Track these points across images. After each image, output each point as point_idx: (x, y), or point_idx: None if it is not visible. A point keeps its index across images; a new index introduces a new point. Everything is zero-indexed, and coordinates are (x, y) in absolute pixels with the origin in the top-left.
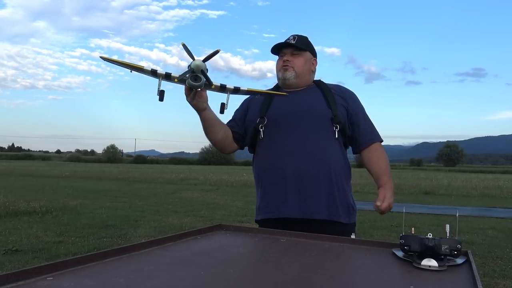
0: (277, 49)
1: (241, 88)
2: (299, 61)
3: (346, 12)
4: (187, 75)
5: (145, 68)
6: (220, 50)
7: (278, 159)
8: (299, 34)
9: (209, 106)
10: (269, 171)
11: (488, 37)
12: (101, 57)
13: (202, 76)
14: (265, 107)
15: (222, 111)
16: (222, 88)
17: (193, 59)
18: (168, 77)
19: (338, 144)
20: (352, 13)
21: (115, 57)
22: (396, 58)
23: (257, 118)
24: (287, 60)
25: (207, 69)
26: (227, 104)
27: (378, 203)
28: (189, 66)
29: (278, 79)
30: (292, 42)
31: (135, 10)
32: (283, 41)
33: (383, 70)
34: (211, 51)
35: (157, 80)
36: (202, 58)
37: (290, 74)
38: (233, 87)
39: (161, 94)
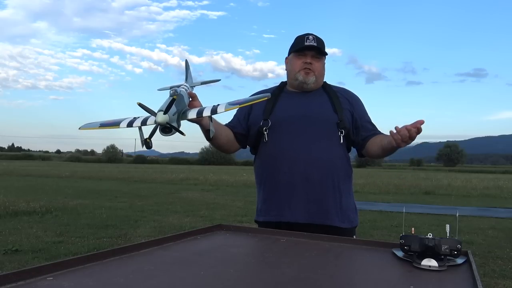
0: (302, 48)
1: (218, 109)
2: (319, 66)
3: (346, 12)
4: (157, 130)
5: (120, 126)
6: (176, 97)
7: (283, 163)
8: (314, 34)
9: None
10: (273, 174)
11: (489, 37)
12: (80, 128)
13: (170, 127)
14: (269, 109)
15: (208, 138)
16: (199, 115)
17: (154, 115)
18: (144, 122)
19: (342, 149)
20: (352, 13)
21: (94, 125)
22: (397, 59)
23: (260, 120)
24: (310, 63)
25: (176, 112)
26: (212, 130)
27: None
28: (155, 121)
29: (295, 79)
30: (314, 43)
31: (135, 11)
32: (293, 38)
33: (384, 70)
34: (212, 52)
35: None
36: (163, 109)
37: (312, 79)
38: (210, 112)
39: (147, 144)
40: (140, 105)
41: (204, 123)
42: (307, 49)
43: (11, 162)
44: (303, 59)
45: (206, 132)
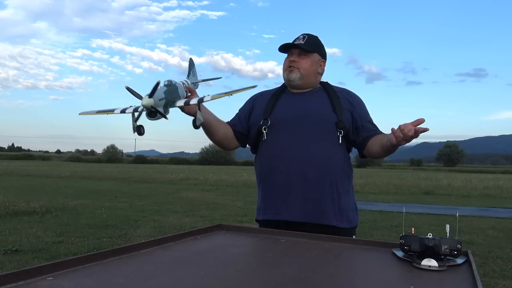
0: (285, 48)
1: (205, 98)
2: (305, 63)
3: (346, 13)
4: (142, 113)
5: (114, 112)
6: (159, 81)
7: (281, 162)
8: (310, 33)
9: (203, 109)
10: (271, 173)
11: (489, 37)
12: (79, 114)
13: (155, 111)
14: (269, 109)
15: (195, 127)
16: (186, 104)
17: (140, 98)
18: (136, 110)
19: (341, 149)
20: (352, 13)
21: (92, 111)
22: (397, 59)
23: (260, 119)
24: (293, 61)
25: (164, 98)
26: (199, 118)
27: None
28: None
29: (284, 79)
30: (301, 42)
31: (135, 11)
32: (291, 40)
33: (384, 70)
34: (212, 52)
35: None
36: (149, 93)
37: (295, 76)
38: (197, 101)
39: (138, 130)
40: (128, 88)
41: (194, 113)
42: (293, 47)
43: (11, 162)
44: (290, 57)
45: (194, 121)
